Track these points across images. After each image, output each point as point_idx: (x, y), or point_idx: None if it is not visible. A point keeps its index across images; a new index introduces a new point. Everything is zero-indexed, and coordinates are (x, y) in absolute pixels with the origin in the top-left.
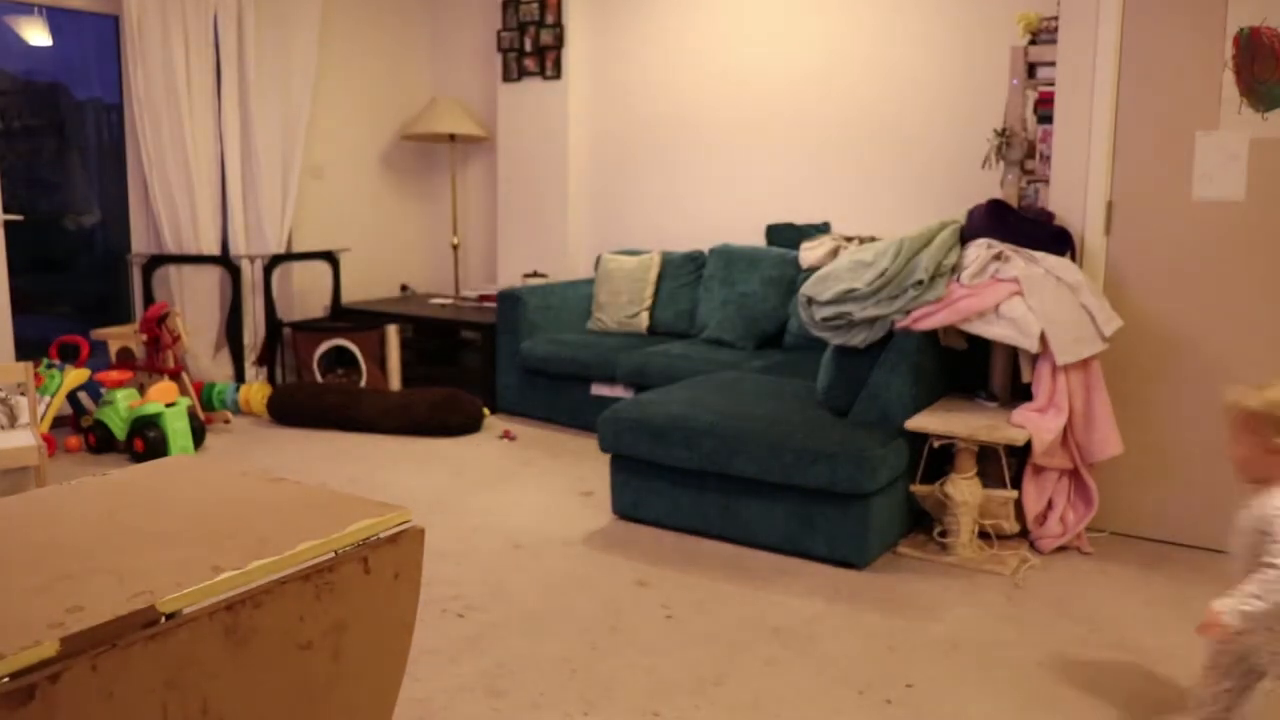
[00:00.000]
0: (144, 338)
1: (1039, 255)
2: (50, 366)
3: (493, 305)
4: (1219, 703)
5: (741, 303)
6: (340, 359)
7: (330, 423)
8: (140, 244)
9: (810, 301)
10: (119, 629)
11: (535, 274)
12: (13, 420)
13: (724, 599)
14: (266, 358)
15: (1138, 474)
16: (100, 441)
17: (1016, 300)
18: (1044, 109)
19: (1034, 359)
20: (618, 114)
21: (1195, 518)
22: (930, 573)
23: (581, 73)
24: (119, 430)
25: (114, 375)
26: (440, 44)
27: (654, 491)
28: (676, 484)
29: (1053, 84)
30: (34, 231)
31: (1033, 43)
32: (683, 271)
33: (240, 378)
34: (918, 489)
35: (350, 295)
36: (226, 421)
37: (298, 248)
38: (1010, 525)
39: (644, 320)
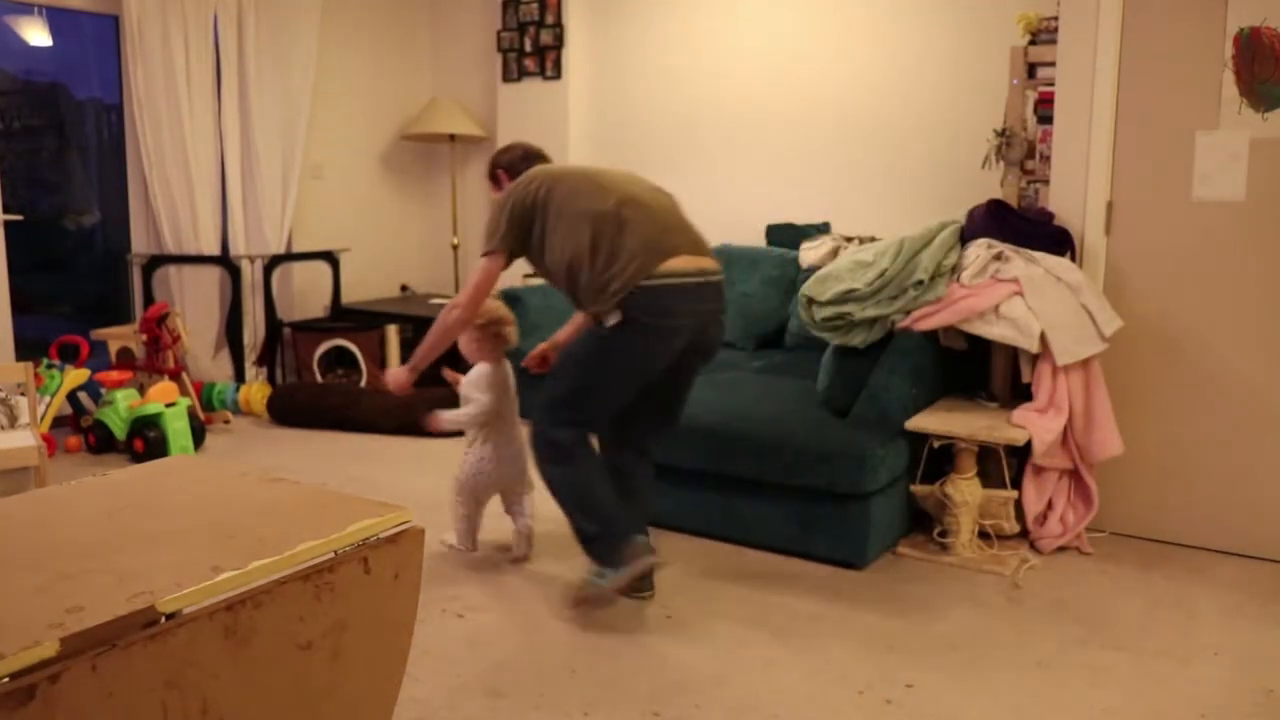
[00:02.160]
0: (144, 338)
1: (1039, 255)
2: (50, 366)
3: None
4: (465, 528)
5: (741, 303)
6: (340, 359)
7: (330, 423)
8: (140, 244)
9: (810, 302)
10: (119, 629)
11: (535, 274)
12: (13, 420)
13: (724, 599)
14: (266, 358)
15: (1138, 474)
16: (100, 441)
17: (1016, 300)
18: (1044, 109)
19: (1034, 359)
20: (618, 114)
21: (1195, 518)
22: (930, 573)
23: (581, 73)
24: (119, 430)
25: (114, 375)
26: (440, 44)
27: (654, 491)
28: (676, 484)
29: (1053, 84)
30: (34, 231)
31: (1033, 43)
32: None
33: (240, 378)
34: (918, 489)
35: (350, 295)
36: (226, 421)
37: (298, 248)
38: (1010, 525)
39: None
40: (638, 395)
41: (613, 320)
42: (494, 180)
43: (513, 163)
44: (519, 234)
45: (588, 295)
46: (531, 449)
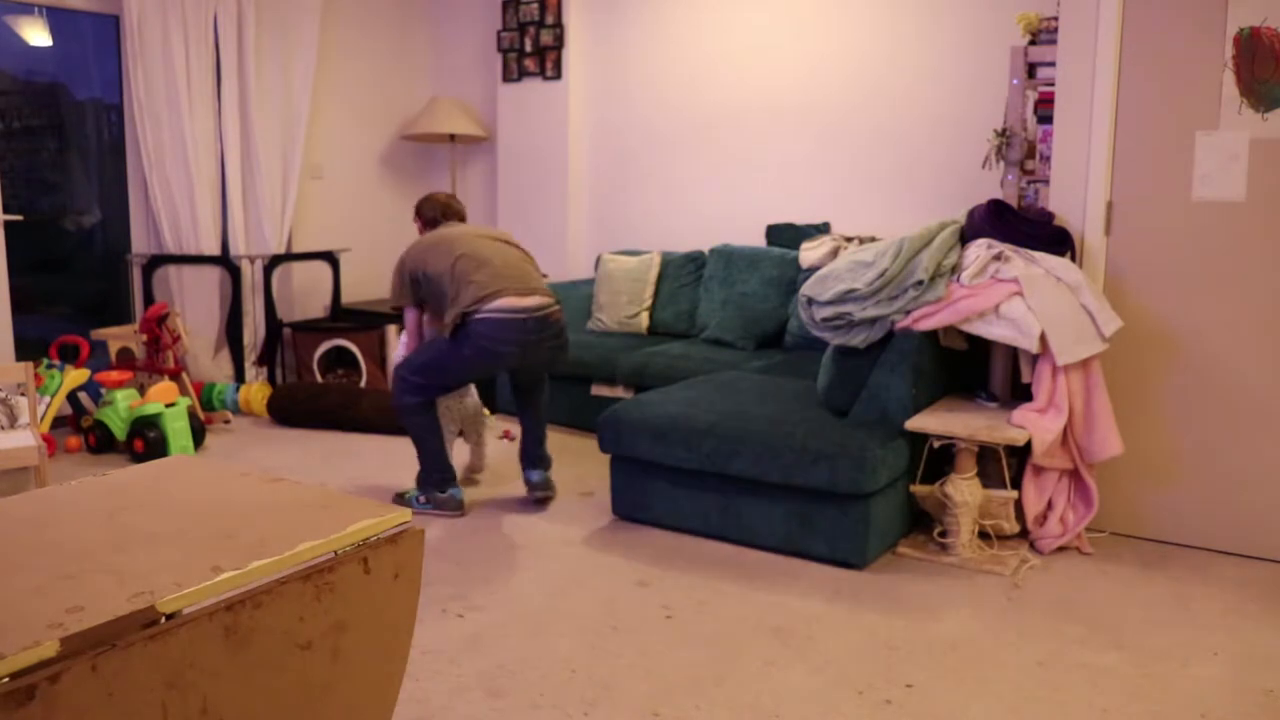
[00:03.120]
0: (144, 338)
1: (1039, 255)
2: (50, 366)
3: None
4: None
5: (741, 303)
6: (340, 359)
7: (330, 423)
8: (140, 244)
9: (810, 301)
10: (119, 629)
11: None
12: (13, 420)
13: (724, 599)
14: (266, 358)
15: (1138, 474)
16: (100, 441)
17: (1016, 300)
18: (1044, 109)
19: (1034, 359)
20: (618, 114)
21: (1195, 518)
22: (930, 573)
23: (581, 73)
24: (119, 430)
25: (114, 375)
26: (440, 44)
27: (654, 491)
28: (676, 484)
29: (1053, 84)
30: (34, 231)
31: (1033, 43)
32: (683, 271)
33: (240, 378)
34: (918, 489)
35: (350, 295)
36: (226, 421)
37: (298, 248)
38: (1010, 525)
39: (644, 320)
40: (514, 385)
41: (449, 334)
42: (416, 221)
43: (430, 216)
44: (413, 291)
45: (441, 321)
46: (393, 399)
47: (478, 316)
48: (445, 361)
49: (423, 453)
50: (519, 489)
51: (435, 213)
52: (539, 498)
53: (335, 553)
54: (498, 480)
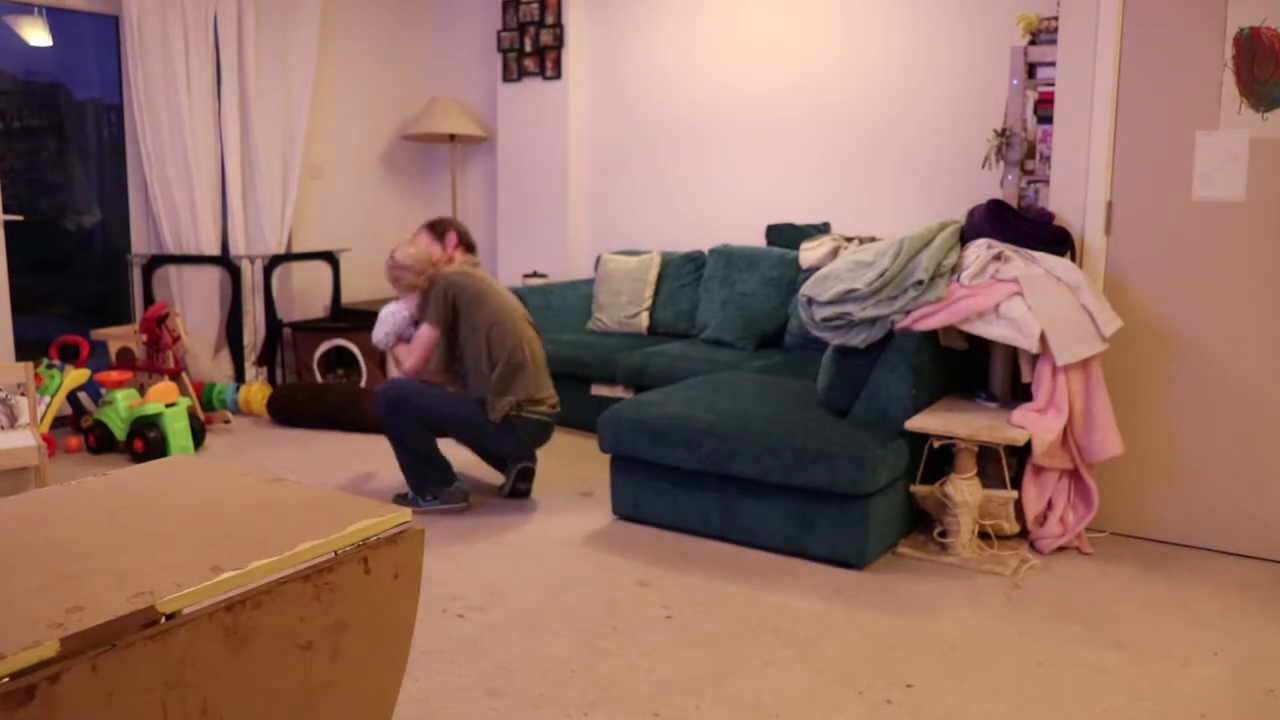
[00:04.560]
0: (144, 338)
1: (1039, 255)
2: (50, 366)
3: None
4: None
5: (741, 303)
6: (340, 359)
7: (330, 423)
8: (140, 244)
9: (810, 301)
10: (119, 629)
11: (535, 274)
12: (13, 420)
13: (724, 599)
14: (266, 358)
15: (1138, 474)
16: (100, 441)
17: (1016, 300)
18: (1044, 109)
19: (1034, 359)
20: (618, 114)
21: (1195, 518)
22: (930, 573)
23: (581, 73)
24: (119, 430)
25: (114, 375)
26: (440, 44)
27: (654, 491)
28: (676, 484)
29: (1053, 84)
30: (34, 231)
31: (1033, 43)
32: (683, 272)
33: (240, 378)
34: (918, 489)
35: (350, 295)
36: (226, 421)
37: (298, 248)
38: (1010, 525)
39: (644, 320)
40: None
41: (496, 420)
42: (450, 236)
43: (467, 242)
44: (448, 318)
45: (487, 394)
46: (386, 416)
47: (525, 415)
48: (479, 435)
49: (420, 457)
50: None
51: (467, 239)
52: (515, 489)
53: (335, 553)
54: (497, 479)
